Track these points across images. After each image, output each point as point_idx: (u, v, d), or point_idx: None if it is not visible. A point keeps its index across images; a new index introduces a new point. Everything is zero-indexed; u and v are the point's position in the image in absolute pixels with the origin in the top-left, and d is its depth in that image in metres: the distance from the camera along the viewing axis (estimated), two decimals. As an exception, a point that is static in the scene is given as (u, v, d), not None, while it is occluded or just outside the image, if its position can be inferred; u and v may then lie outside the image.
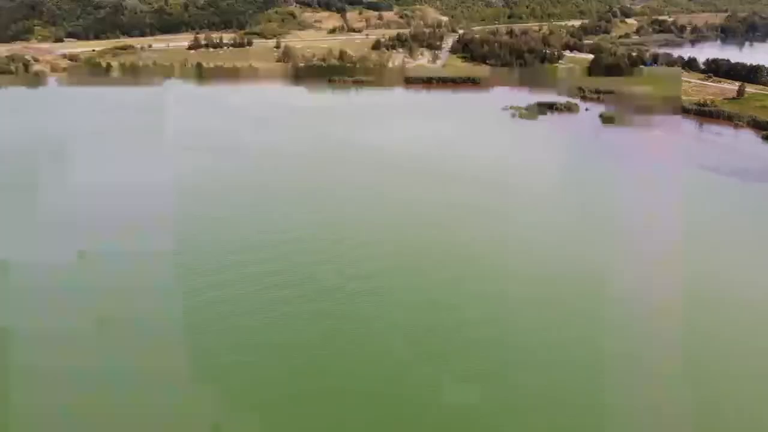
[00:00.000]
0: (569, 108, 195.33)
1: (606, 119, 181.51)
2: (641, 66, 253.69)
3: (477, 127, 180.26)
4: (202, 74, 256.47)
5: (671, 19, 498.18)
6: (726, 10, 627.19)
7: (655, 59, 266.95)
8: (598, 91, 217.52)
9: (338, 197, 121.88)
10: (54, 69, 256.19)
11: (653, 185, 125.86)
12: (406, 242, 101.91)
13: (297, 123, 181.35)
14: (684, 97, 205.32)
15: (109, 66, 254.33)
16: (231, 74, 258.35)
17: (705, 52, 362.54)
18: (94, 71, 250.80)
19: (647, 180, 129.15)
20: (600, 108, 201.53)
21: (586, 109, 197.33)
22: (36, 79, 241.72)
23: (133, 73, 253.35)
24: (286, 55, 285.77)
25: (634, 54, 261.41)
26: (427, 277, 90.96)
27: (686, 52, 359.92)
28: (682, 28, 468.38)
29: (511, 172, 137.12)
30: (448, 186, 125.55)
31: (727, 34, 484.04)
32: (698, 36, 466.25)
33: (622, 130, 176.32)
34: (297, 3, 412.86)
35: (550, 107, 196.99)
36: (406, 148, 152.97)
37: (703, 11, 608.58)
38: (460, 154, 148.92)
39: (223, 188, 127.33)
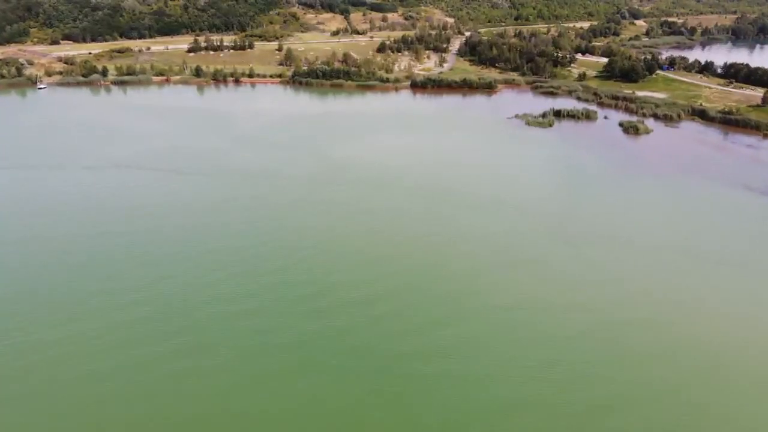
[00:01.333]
0: (587, 116, 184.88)
1: (627, 128, 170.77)
2: (658, 70, 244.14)
3: (489, 139, 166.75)
4: (200, 77, 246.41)
5: (681, 21, 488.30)
6: (735, 12, 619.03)
7: (671, 63, 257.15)
8: (615, 97, 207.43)
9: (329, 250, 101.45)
10: (48, 72, 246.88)
11: (709, 214, 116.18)
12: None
13: (292, 137, 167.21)
14: (706, 104, 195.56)
15: (105, 69, 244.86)
16: (231, 78, 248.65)
17: (717, 55, 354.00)
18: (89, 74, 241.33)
19: (699, 207, 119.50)
20: (618, 115, 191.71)
21: (605, 117, 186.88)
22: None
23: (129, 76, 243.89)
24: (288, 58, 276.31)
25: (649, 58, 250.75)
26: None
27: (698, 55, 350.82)
28: (692, 30, 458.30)
29: (538, 200, 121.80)
30: (467, 219, 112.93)
31: (737, 36, 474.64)
32: (709, 38, 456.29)
33: (646, 141, 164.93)
34: (299, 4, 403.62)
35: (566, 115, 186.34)
36: (414, 167, 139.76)
37: (712, 12, 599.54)
38: (473, 175, 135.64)
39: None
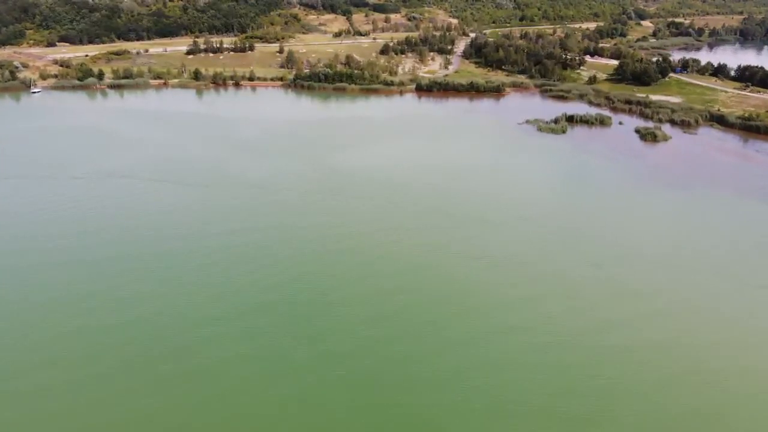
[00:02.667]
0: (602, 121, 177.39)
1: (645, 135, 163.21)
2: (670, 73, 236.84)
3: (501, 147, 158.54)
4: (199, 81, 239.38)
5: (687, 22, 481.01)
6: (741, 12, 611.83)
7: (684, 65, 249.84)
8: (628, 102, 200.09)
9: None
10: (43, 76, 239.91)
11: (747, 232, 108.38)
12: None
13: (294, 145, 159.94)
14: (723, 109, 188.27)
15: (101, 72, 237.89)
16: (230, 81, 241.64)
17: (727, 56, 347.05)
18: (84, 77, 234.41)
19: (734, 225, 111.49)
20: (633, 120, 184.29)
21: (620, 123, 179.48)
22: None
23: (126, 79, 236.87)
24: (290, 61, 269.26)
25: (661, 60, 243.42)
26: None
27: (706, 56, 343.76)
28: (700, 31, 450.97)
29: (560, 215, 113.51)
30: (483, 237, 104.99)
31: (745, 37, 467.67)
32: (717, 39, 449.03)
33: (666, 149, 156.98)
34: (301, 5, 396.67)
35: (579, 120, 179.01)
36: (422, 178, 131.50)
37: (718, 13, 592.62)
38: (487, 187, 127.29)
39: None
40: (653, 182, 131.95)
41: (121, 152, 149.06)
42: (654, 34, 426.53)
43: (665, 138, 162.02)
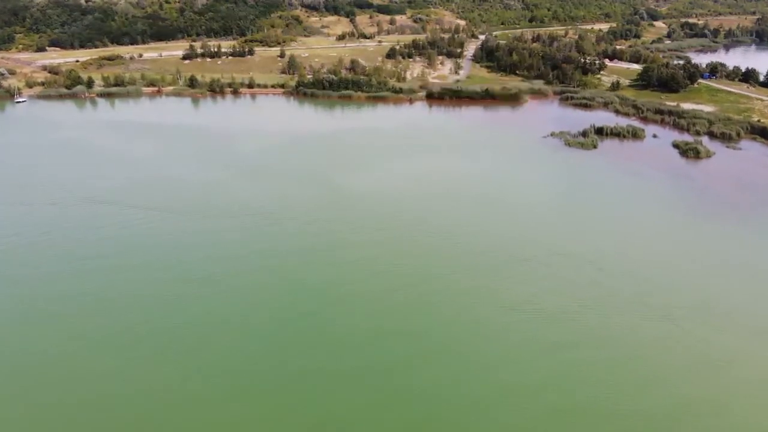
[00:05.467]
0: (634, 134, 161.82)
1: (685, 151, 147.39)
2: (699, 79, 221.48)
3: (528, 166, 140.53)
4: (195, 88, 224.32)
5: (701, 23, 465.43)
6: (754, 13, 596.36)
7: (713, 71, 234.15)
8: (659, 111, 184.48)
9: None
10: (29, 83, 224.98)
11: None
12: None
13: (297, 163, 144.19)
14: (764, 120, 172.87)
15: (90, 80, 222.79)
16: (228, 89, 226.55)
17: (747, 59, 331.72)
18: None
19: None
20: (666, 132, 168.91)
21: (654, 136, 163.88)
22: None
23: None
24: (291, 66, 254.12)
25: (689, 65, 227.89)
26: None
27: (726, 59, 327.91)
28: (715, 32, 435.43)
29: (609, 254, 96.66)
30: (521, 284, 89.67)
31: (761, 38, 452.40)
32: (732, 40, 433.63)
33: (711, 167, 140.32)
34: (302, 7, 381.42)
35: (610, 133, 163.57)
36: (442, 205, 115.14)
37: (731, 13, 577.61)
38: (519, 216, 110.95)
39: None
40: (708, 211, 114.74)
41: (105, 172, 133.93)
42: (668, 35, 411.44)
43: (708, 154, 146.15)
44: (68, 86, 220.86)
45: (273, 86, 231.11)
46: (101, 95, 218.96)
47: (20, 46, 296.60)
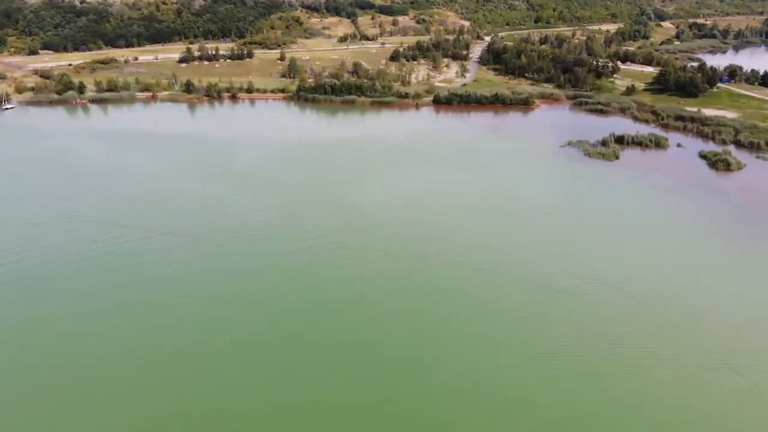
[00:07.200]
0: (657, 143, 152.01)
1: (715, 162, 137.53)
2: (719, 83, 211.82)
3: (548, 180, 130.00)
4: (191, 93, 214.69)
5: (710, 23, 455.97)
6: (761, 12, 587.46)
7: (731, 74, 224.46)
8: (680, 118, 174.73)
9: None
10: (19, 89, 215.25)
11: None
12: None
13: (298, 177, 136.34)
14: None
15: (82, 85, 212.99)
16: (226, 94, 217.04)
17: (756, 60, 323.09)
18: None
19: None
20: (690, 141, 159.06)
21: (678, 145, 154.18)
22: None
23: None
24: (292, 69, 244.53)
25: (707, 68, 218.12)
26: None
27: (732, 59, 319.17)
28: (725, 33, 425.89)
29: (649, 282, 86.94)
30: (555, 317, 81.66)
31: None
32: (742, 41, 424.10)
33: (744, 181, 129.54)
34: (303, 8, 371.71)
35: (631, 141, 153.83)
36: (460, 224, 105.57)
37: (738, 13, 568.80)
38: (544, 236, 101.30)
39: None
40: (754, 233, 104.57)
41: (91, 188, 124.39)
42: (677, 36, 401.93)
43: (739, 166, 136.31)
44: (59, 92, 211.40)
45: (273, 91, 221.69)
46: (93, 101, 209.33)
47: (12, 49, 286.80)
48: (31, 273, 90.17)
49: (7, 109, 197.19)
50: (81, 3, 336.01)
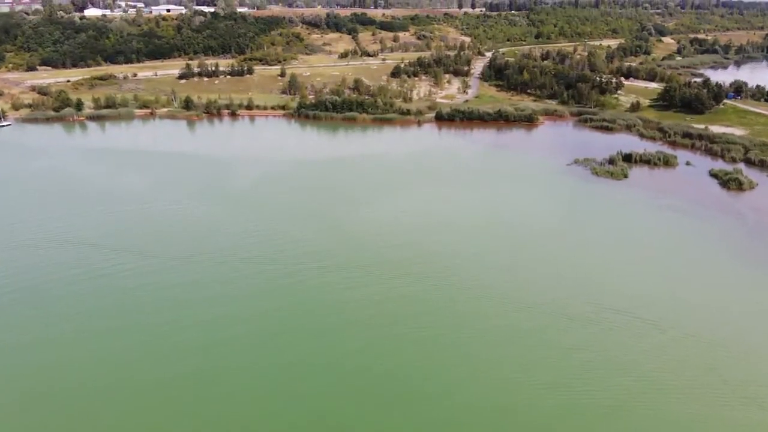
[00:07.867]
0: (666, 161, 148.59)
1: (726, 182, 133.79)
2: (725, 99, 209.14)
3: (557, 201, 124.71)
4: (190, 110, 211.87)
5: (711, 38, 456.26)
6: (762, 27, 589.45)
7: (737, 90, 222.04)
8: (688, 135, 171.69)
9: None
10: (15, 106, 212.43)
11: None
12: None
13: (298, 198, 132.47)
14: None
15: (79, 102, 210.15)
16: (226, 111, 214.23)
17: (759, 75, 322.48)
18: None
19: None
20: (698, 159, 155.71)
21: (687, 163, 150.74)
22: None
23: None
24: (292, 86, 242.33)
25: (712, 84, 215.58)
26: None
27: (735, 75, 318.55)
28: (726, 48, 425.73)
29: (673, 317, 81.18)
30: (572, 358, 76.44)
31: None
32: (744, 56, 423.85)
33: (757, 201, 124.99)
34: (303, 24, 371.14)
35: (639, 160, 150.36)
36: (466, 253, 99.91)
37: (738, 28, 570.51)
38: (558, 266, 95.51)
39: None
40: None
41: (84, 208, 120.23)
42: (678, 52, 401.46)
43: (751, 185, 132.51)
44: (56, 108, 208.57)
45: (273, 108, 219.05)
46: (91, 118, 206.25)
47: (10, 65, 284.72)
48: (20, 297, 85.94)
49: (2, 126, 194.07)
50: (80, 19, 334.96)
